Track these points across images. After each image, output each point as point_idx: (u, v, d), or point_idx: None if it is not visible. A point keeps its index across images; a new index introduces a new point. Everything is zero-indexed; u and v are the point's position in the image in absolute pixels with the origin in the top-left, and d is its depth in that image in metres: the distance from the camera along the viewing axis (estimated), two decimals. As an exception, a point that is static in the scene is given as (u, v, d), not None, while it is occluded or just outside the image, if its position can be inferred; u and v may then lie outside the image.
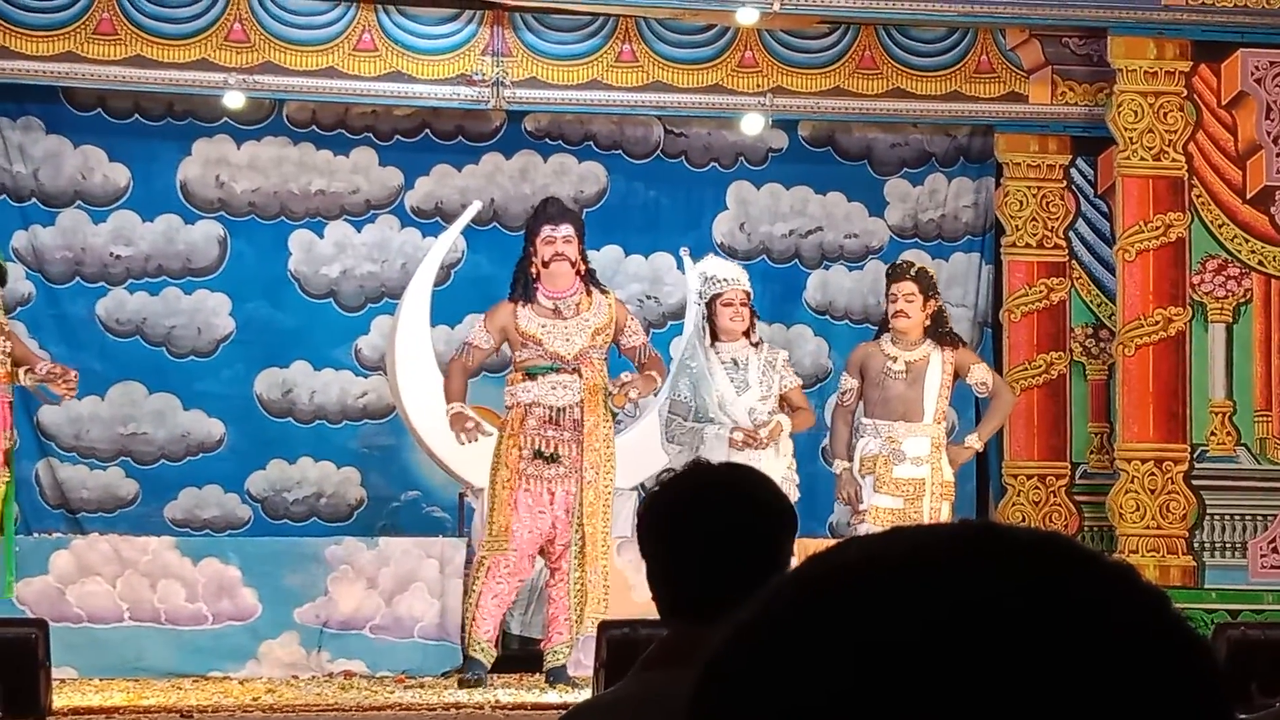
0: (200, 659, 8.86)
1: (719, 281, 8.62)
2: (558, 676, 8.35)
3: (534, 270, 8.36)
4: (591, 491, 8.25)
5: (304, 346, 10.36)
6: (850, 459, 8.70)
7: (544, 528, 8.29)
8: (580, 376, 8.29)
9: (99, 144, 10.19)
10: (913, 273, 8.78)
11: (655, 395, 8.97)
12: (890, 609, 0.83)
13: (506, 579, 8.31)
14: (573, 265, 8.35)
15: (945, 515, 8.66)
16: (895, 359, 8.69)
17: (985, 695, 0.80)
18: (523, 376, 8.33)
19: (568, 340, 8.31)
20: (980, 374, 8.89)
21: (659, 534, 2.61)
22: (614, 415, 8.49)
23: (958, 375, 8.79)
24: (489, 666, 8.39)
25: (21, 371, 8.11)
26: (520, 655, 8.94)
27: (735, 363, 8.56)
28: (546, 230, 8.33)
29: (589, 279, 8.49)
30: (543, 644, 8.55)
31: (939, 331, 8.76)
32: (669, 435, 8.60)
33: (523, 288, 8.39)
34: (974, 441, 8.97)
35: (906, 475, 8.63)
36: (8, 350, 8.10)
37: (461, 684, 8.33)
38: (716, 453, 8.14)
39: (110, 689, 8.18)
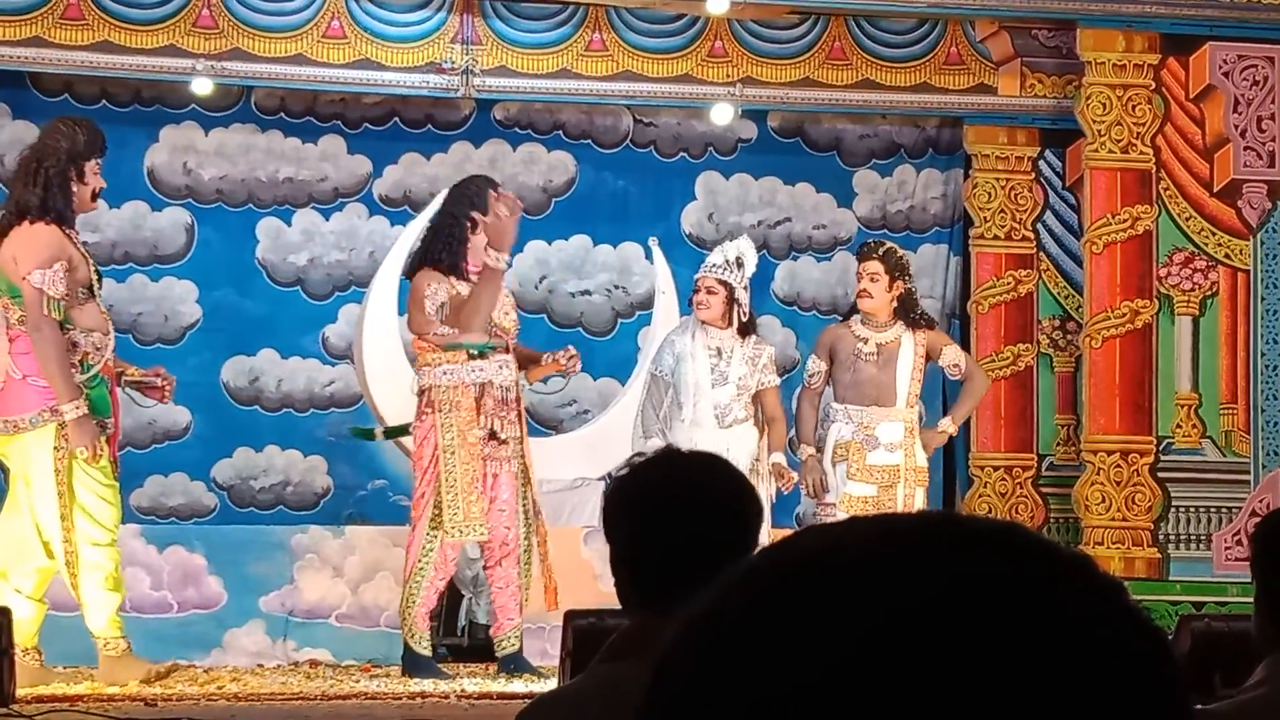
0: (165, 647, 8.82)
1: (703, 265, 8.58)
2: (518, 665, 8.27)
3: (464, 248, 8.25)
4: (528, 469, 8.27)
5: (271, 335, 10.32)
6: (816, 445, 8.58)
7: (485, 510, 8.22)
8: (511, 355, 8.28)
9: (65, 130, 10.13)
10: (880, 252, 8.66)
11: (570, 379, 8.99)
12: (849, 602, 0.82)
13: (450, 568, 8.26)
14: None
15: (919, 501, 8.55)
16: (866, 340, 8.58)
17: (945, 686, 0.80)
18: (467, 355, 8.20)
19: (505, 314, 8.29)
20: (952, 355, 8.80)
21: (625, 520, 2.56)
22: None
23: (929, 358, 8.73)
24: (431, 656, 8.30)
25: (118, 373, 8.08)
26: (486, 644, 8.92)
27: (719, 352, 8.47)
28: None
29: None
30: (492, 630, 8.46)
31: (909, 315, 8.68)
32: (643, 421, 8.50)
33: (449, 260, 8.21)
34: (947, 425, 8.87)
35: (881, 462, 8.53)
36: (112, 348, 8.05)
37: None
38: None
39: (76, 677, 8.14)
